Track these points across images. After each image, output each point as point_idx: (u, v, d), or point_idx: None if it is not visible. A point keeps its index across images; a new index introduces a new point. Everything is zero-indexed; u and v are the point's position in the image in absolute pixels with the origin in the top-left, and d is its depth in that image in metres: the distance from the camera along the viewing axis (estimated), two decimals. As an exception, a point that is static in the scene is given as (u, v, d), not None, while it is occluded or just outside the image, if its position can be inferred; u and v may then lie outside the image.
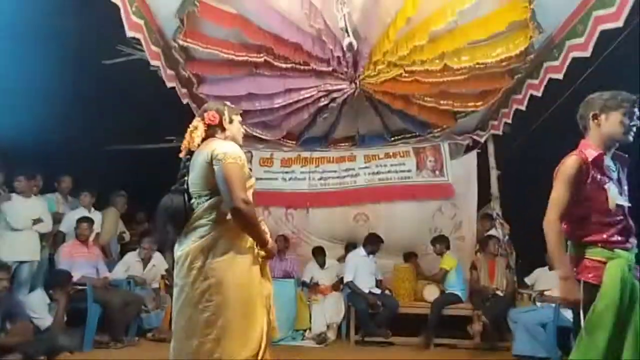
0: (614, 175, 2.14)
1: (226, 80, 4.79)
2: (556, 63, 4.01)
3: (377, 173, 6.16)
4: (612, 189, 2.08)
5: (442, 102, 4.97)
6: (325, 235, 6.13)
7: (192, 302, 1.92)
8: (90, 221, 4.86)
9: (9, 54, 4.75)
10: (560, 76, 4.00)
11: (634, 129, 2.09)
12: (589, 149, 2.12)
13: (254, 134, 5.73)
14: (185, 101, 4.86)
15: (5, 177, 4.67)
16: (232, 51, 4.29)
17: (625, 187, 2.17)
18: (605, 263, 2.03)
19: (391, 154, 6.14)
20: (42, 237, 4.74)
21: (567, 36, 3.82)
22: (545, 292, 4.47)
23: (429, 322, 4.77)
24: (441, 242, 5.31)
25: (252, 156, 6.38)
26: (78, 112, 5.55)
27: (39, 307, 3.88)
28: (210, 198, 1.99)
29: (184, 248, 1.97)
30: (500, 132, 5.64)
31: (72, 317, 4.25)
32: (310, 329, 5.02)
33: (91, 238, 4.90)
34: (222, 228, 1.96)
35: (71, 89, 5.30)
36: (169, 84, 4.46)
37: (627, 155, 2.21)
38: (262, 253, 2.08)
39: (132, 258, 5.12)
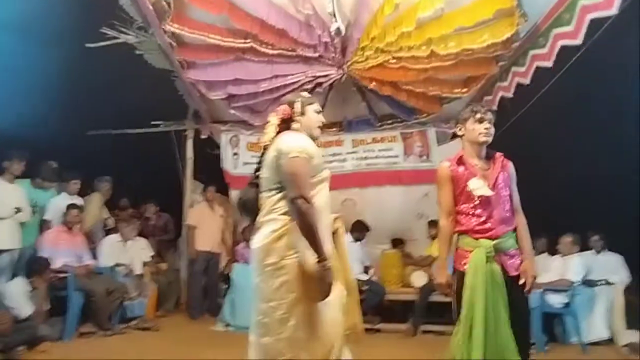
0: (482, 173, 2.30)
1: (214, 65, 4.73)
2: (544, 51, 4.00)
3: (365, 158, 6.19)
4: (473, 182, 2.27)
5: (430, 88, 4.98)
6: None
7: (266, 299, 1.88)
8: (79, 208, 4.81)
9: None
10: (549, 64, 3.99)
11: (488, 132, 2.30)
12: (458, 154, 2.40)
13: (242, 118, 5.69)
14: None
15: None
16: (219, 36, 4.23)
17: (504, 183, 2.30)
18: (471, 252, 2.24)
19: (379, 138, 6.18)
20: (23, 225, 4.61)
21: (552, 24, 3.83)
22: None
23: (416, 308, 4.81)
24: (435, 227, 5.34)
25: (239, 140, 6.34)
26: (61, 97, 5.42)
27: (17, 296, 3.79)
28: (278, 192, 1.95)
29: (257, 243, 1.95)
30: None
31: (55, 306, 4.18)
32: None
33: (78, 225, 4.83)
34: (293, 224, 1.88)
35: (54, 73, 5.17)
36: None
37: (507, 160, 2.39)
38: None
39: (113, 240, 5.10)
